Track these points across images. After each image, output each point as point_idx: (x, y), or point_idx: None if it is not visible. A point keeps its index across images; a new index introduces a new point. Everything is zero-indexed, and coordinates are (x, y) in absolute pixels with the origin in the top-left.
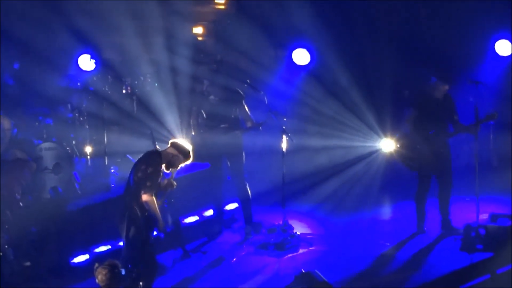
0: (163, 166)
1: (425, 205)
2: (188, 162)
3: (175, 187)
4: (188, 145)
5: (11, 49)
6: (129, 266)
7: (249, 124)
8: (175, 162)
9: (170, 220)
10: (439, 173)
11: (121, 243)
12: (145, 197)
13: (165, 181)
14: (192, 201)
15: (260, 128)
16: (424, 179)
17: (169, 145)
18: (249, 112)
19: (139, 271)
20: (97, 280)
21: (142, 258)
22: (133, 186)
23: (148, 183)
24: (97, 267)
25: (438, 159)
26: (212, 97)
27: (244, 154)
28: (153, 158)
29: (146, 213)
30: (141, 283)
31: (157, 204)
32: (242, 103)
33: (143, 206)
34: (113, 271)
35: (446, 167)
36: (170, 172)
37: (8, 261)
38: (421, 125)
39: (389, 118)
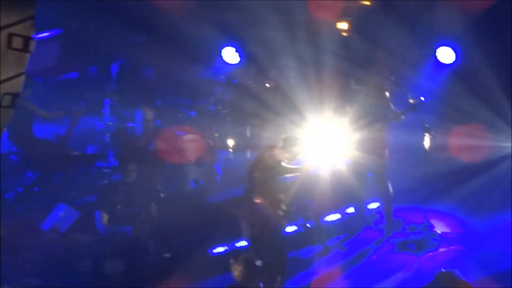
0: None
1: None
2: (290, 155)
3: (301, 175)
4: (287, 141)
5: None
6: (267, 259)
7: (391, 116)
8: (279, 157)
9: (310, 216)
10: None
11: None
12: (255, 198)
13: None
14: (334, 197)
15: (402, 117)
16: None
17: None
18: (392, 107)
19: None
20: (233, 275)
21: (268, 254)
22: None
23: (249, 185)
24: (232, 263)
25: None
26: (356, 92)
27: (387, 151)
28: (252, 162)
29: (263, 213)
30: (279, 277)
31: (274, 206)
32: (386, 99)
33: (255, 209)
34: (248, 266)
35: None
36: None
37: (149, 252)
38: None
39: None
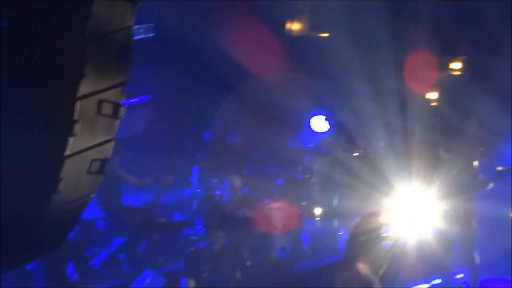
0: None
1: None
2: (379, 222)
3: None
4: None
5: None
6: None
7: (479, 184)
8: (380, 222)
9: (398, 286)
10: None
11: None
12: (357, 262)
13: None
14: (421, 268)
15: (490, 185)
16: None
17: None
18: (481, 176)
19: None
20: None
21: None
22: (346, 252)
23: (351, 248)
24: None
25: None
26: (444, 161)
27: (474, 221)
28: (356, 226)
29: (364, 278)
30: None
31: (374, 272)
32: (475, 168)
33: (357, 274)
34: None
35: None
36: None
37: None
38: None
39: None
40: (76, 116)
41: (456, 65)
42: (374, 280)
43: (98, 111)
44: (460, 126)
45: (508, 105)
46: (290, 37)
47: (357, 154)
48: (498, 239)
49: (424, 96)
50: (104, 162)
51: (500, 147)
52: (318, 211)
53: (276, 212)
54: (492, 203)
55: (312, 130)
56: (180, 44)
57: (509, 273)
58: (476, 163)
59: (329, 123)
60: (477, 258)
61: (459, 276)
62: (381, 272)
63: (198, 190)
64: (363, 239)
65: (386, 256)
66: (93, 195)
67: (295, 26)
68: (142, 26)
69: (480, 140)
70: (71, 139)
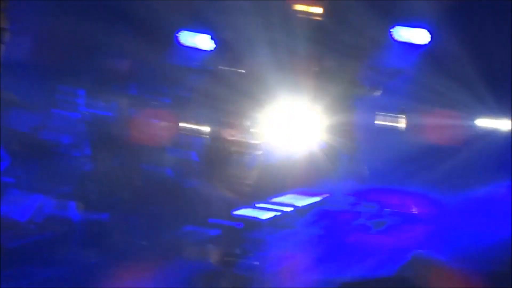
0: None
1: None
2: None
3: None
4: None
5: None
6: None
7: (362, 92)
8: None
9: (284, 199)
10: None
11: None
12: (210, 178)
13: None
14: (307, 180)
15: (376, 92)
16: None
17: None
18: (363, 86)
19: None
20: (210, 260)
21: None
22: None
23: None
24: (209, 248)
25: None
26: (328, 74)
27: (358, 134)
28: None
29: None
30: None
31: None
32: (358, 81)
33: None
34: (225, 252)
35: None
36: None
37: (125, 240)
38: None
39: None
40: None
41: None
42: (234, 194)
43: None
44: (343, 39)
45: (392, 16)
46: None
47: (242, 71)
48: (385, 150)
49: (308, 10)
50: None
51: (384, 59)
52: (206, 129)
53: (164, 131)
54: (380, 115)
55: (198, 49)
56: None
57: (397, 183)
58: (360, 76)
59: (215, 41)
60: (364, 169)
61: (347, 187)
62: (245, 183)
63: (85, 112)
64: (212, 156)
65: (250, 170)
66: None
67: None
68: None
69: (362, 52)
70: None
